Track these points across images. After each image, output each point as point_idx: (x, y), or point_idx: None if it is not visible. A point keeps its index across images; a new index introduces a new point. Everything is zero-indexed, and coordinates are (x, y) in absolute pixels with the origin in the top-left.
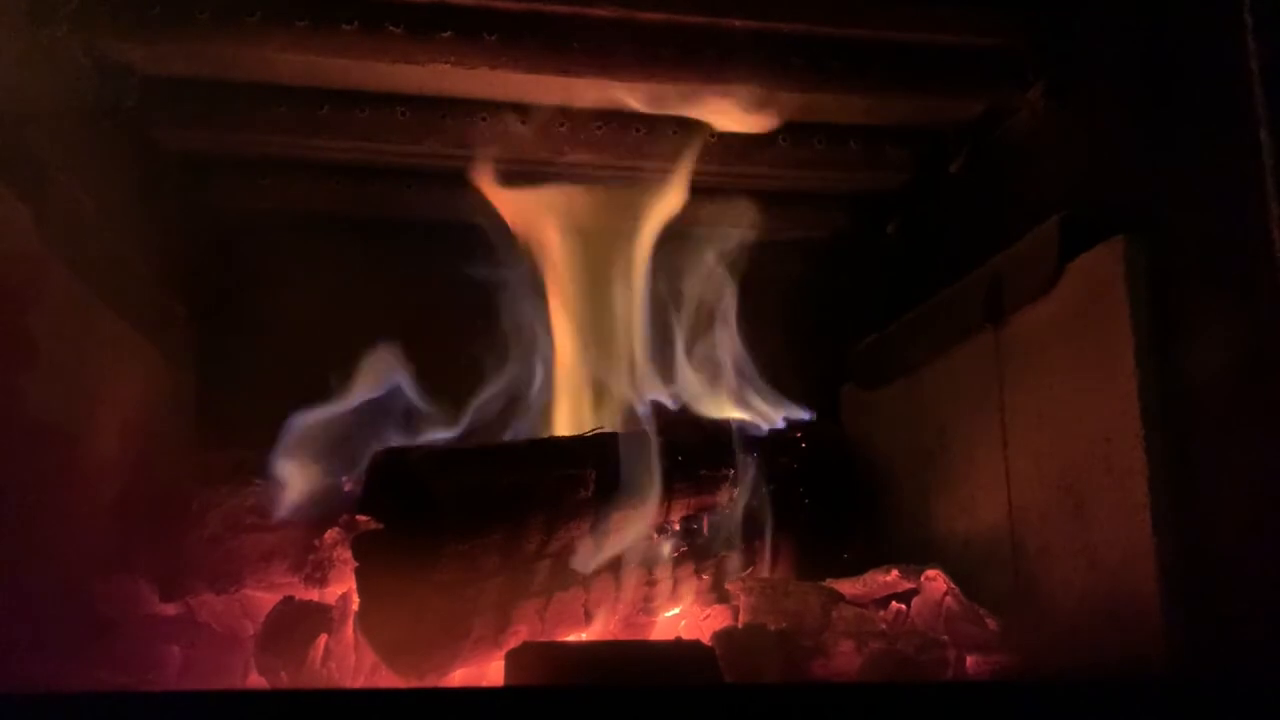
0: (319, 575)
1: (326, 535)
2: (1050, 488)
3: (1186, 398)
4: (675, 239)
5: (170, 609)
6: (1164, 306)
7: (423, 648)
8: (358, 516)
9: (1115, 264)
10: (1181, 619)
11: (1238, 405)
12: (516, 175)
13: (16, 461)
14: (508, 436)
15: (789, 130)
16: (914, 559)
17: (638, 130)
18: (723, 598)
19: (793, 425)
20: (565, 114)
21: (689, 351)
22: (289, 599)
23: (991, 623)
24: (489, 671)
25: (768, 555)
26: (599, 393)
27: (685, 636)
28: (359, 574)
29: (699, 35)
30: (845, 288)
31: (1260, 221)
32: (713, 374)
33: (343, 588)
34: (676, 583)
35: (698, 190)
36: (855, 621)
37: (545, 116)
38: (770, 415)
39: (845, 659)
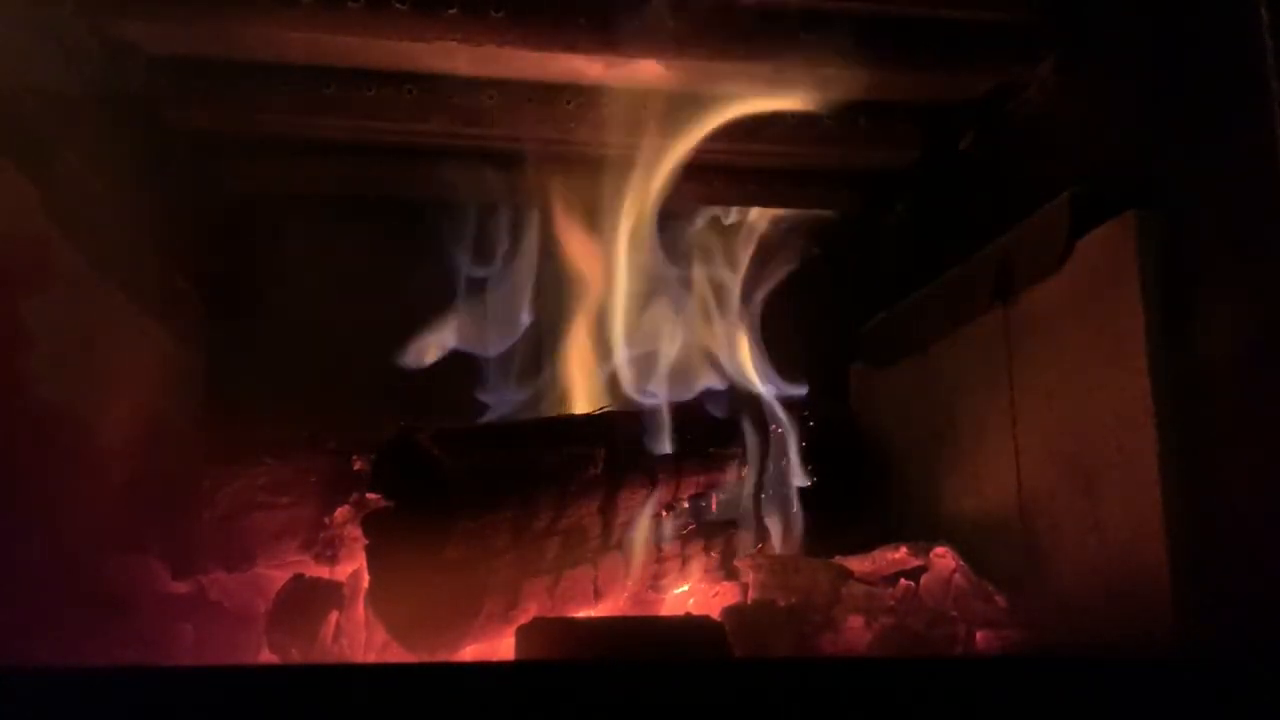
0: (330, 553)
1: (337, 513)
2: (1060, 465)
3: (1198, 375)
4: (684, 218)
5: (182, 588)
6: (1176, 283)
7: (433, 625)
8: (368, 494)
9: (1126, 240)
10: (1190, 597)
11: (1250, 382)
12: (523, 154)
13: (24, 444)
14: (518, 415)
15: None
16: (923, 536)
17: (645, 107)
18: (731, 575)
19: (802, 404)
20: (572, 90)
21: (698, 330)
22: (300, 576)
23: (1000, 599)
24: (500, 647)
25: (777, 533)
26: (608, 371)
27: (694, 613)
28: (370, 552)
29: (707, 11)
30: (854, 266)
31: (1274, 195)
32: (722, 352)
33: (353, 565)
34: (685, 560)
35: (707, 168)
36: (864, 598)
37: (552, 93)
38: (780, 394)
39: (854, 634)
